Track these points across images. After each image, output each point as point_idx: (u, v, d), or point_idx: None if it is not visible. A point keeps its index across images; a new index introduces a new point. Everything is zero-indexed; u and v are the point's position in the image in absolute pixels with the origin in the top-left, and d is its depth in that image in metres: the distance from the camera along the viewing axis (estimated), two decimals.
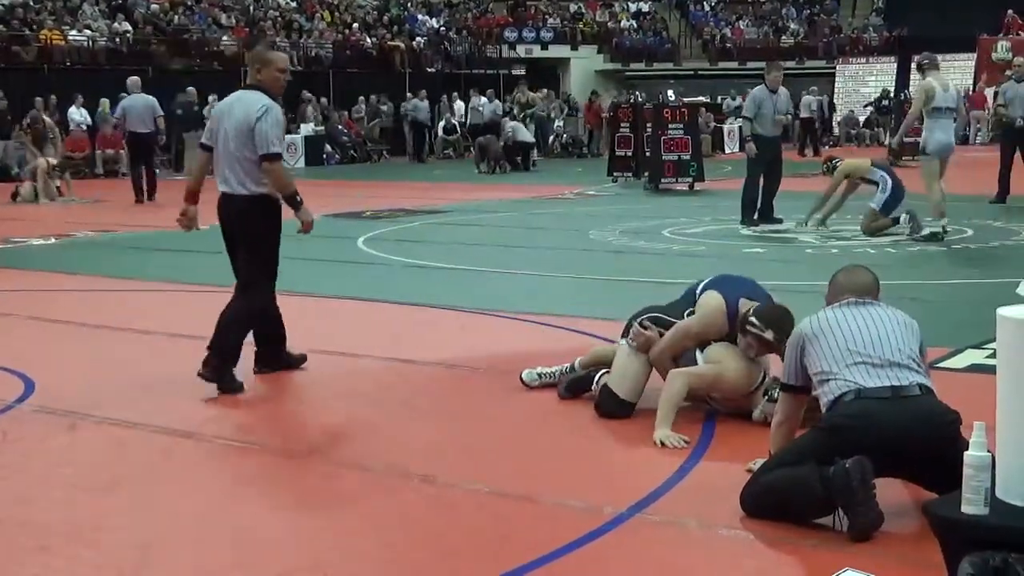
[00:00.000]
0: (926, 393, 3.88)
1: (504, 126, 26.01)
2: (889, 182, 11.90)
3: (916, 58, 13.60)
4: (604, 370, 5.61)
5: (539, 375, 5.91)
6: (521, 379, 5.91)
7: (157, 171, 18.80)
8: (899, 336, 3.99)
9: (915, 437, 3.75)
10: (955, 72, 34.65)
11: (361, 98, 29.65)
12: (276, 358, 6.34)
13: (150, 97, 18.01)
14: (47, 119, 21.38)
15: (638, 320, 5.47)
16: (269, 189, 6.03)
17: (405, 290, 9.07)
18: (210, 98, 25.90)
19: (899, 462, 3.82)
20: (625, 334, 5.53)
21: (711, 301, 5.34)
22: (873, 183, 12.15)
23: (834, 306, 4.16)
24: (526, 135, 26.09)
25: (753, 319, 5.05)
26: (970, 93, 31.11)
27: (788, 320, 4.92)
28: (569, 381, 5.74)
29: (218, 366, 5.88)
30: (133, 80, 18.42)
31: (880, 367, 3.90)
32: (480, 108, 28.52)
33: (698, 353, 5.32)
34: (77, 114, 23.94)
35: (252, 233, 6.14)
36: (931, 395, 3.90)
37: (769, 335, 4.98)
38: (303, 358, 6.42)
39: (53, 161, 18.80)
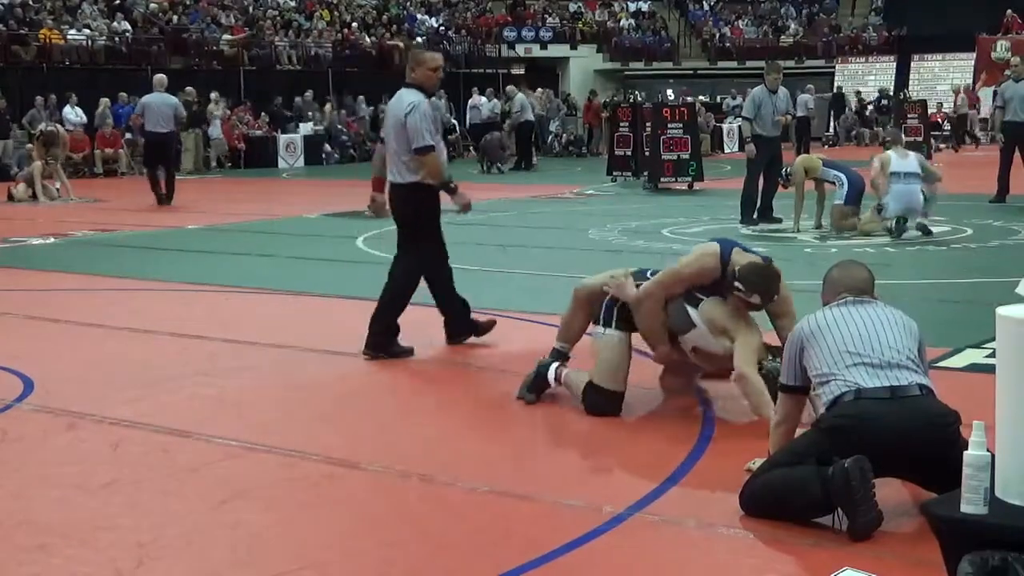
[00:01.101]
0: (926, 394, 3.88)
1: (512, 104, 25.67)
2: (843, 177, 12.12)
3: (882, 134, 14.06)
4: (556, 364, 5.55)
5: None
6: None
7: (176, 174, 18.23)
8: (897, 336, 3.98)
9: (914, 437, 3.75)
10: (954, 72, 34.73)
11: (361, 97, 29.64)
12: (466, 326, 6.94)
13: (172, 97, 17.49)
14: (60, 128, 21.18)
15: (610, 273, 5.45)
16: (422, 177, 6.57)
17: None
18: (212, 95, 25.96)
19: (899, 462, 3.82)
20: (598, 322, 5.47)
21: (705, 247, 5.32)
22: (831, 183, 12.32)
23: (832, 305, 4.14)
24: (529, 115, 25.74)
25: (739, 284, 5.00)
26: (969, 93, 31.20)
27: (774, 282, 4.91)
28: (527, 384, 5.59)
29: (382, 340, 6.58)
30: (159, 78, 17.64)
31: (879, 367, 3.89)
32: (479, 107, 28.50)
33: (690, 309, 5.20)
34: (72, 113, 23.92)
35: (410, 218, 6.78)
36: (931, 395, 3.90)
37: (755, 300, 4.97)
38: (491, 324, 6.98)
39: (54, 161, 18.74)
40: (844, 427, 3.81)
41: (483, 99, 28.60)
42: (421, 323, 7.81)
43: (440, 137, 6.79)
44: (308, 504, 4.27)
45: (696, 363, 5.44)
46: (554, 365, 5.58)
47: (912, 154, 12.15)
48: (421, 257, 6.81)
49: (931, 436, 3.75)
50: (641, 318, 5.33)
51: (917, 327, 4.11)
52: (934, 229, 11.91)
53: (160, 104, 16.90)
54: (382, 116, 29.72)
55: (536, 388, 5.59)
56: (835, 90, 34.23)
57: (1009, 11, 33.45)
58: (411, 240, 6.82)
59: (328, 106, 28.56)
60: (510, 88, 27.00)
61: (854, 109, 32.95)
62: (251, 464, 4.74)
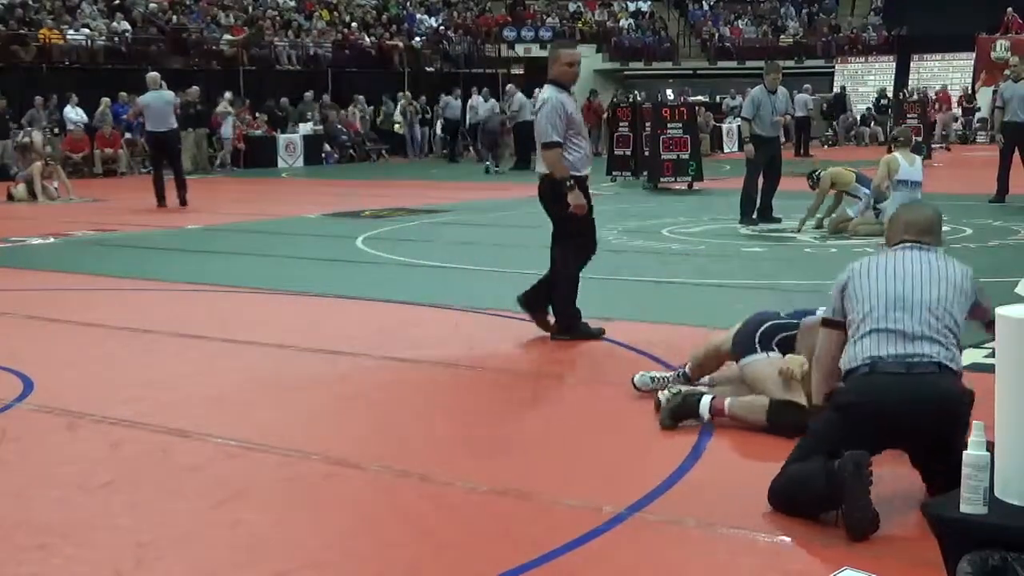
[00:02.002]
0: (943, 371, 3.84)
1: (512, 104, 25.61)
2: (871, 197, 11.97)
3: (892, 132, 13.76)
4: (704, 391, 5.25)
5: (651, 379, 5.62)
6: (633, 383, 5.63)
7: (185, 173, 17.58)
8: (937, 297, 3.93)
9: (924, 418, 3.74)
10: (954, 71, 34.73)
11: (361, 97, 29.65)
12: (542, 302, 7.06)
13: (169, 93, 17.10)
14: (35, 138, 20.95)
15: (776, 340, 5.18)
16: (551, 171, 6.83)
17: (404, 289, 9.07)
18: (226, 95, 25.93)
19: (907, 442, 3.83)
20: (738, 349, 5.25)
21: None
22: (855, 197, 12.25)
23: (886, 252, 4.12)
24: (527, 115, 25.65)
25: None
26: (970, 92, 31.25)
27: None
28: (672, 410, 5.15)
29: (568, 327, 6.88)
30: (152, 76, 17.08)
31: (901, 336, 3.87)
32: (476, 107, 28.48)
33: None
34: (73, 113, 23.92)
35: (551, 209, 7.01)
36: (947, 373, 3.84)
37: None
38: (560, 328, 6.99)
39: (51, 160, 18.74)
40: (855, 404, 3.84)
41: (479, 99, 28.55)
42: (409, 322, 7.82)
43: (576, 132, 6.88)
44: (307, 504, 4.27)
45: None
46: (707, 398, 5.17)
47: (917, 158, 12.11)
48: (566, 247, 6.99)
49: (939, 419, 3.74)
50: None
51: (970, 280, 4.02)
52: None
53: (158, 102, 16.51)
54: (382, 116, 29.94)
55: (681, 418, 5.14)
56: (838, 90, 34.18)
57: (1009, 10, 33.46)
58: (557, 228, 7.04)
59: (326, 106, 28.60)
60: (510, 87, 26.98)
61: (854, 111, 32.98)
62: (250, 464, 4.74)
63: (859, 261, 4.16)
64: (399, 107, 29.61)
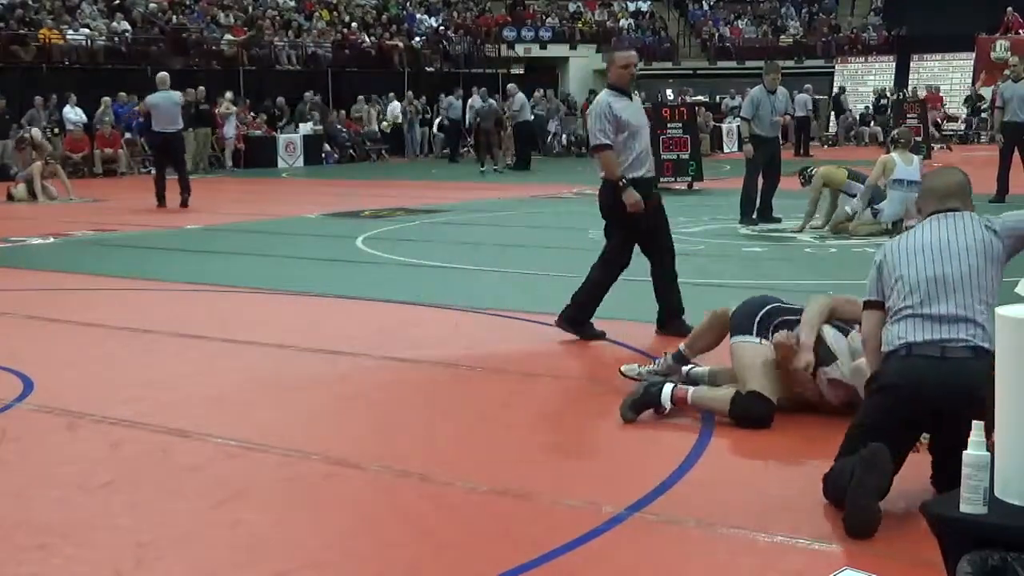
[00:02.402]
0: (977, 355, 3.83)
1: (513, 103, 25.61)
2: (868, 196, 11.98)
3: (893, 133, 13.81)
4: (671, 385, 5.23)
5: (639, 367, 5.78)
6: (620, 371, 5.81)
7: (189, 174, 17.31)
8: (968, 272, 3.94)
9: (956, 403, 3.74)
10: (954, 71, 34.71)
11: (361, 97, 29.65)
12: (674, 325, 7.02)
13: (176, 93, 16.87)
14: (34, 135, 20.91)
15: (774, 324, 5.17)
16: (604, 173, 7.00)
17: (404, 289, 9.07)
18: (227, 95, 25.92)
19: (943, 426, 3.84)
20: (735, 321, 5.26)
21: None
22: (850, 194, 12.25)
23: (920, 225, 4.14)
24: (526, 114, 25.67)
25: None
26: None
27: None
28: (632, 402, 5.19)
29: (572, 318, 6.95)
30: (161, 76, 16.90)
31: (935, 320, 3.89)
32: (473, 106, 28.48)
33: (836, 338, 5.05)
34: (72, 113, 23.92)
35: (605, 212, 7.13)
36: (981, 357, 3.81)
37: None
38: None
39: (51, 160, 18.73)
40: (893, 386, 3.88)
41: (476, 99, 28.53)
42: (409, 322, 7.83)
43: (630, 135, 6.95)
44: (307, 504, 4.27)
45: (827, 398, 5.14)
46: (668, 387, 5.21)
47: (915, 158, 12.12)
48: (610, 251, 7.11)
49: (972, 403, 3.74)
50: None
51: (999, 240, 4.02)
52: None
53: (166, 103, 16.37)
54: (382, 116, 29.94)
55: (641, 409, 5.19)
56: (837, 90, 34.17)
57: (1009, 9, 33.45)
58: (609, 229, 7.18)
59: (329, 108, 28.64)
60: (511, 86, 27.00)
61: (853, 111, 32.96)
62: (250, 464, 4.74)
63: (887, 245, 4.18)
64: (390, 108, 29.58)
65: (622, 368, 5.83)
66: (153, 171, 17.41)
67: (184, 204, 16.49)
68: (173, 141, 16.63)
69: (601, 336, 6.93)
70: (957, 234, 4.05)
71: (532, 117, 26.55)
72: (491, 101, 27.09)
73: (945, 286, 3.94)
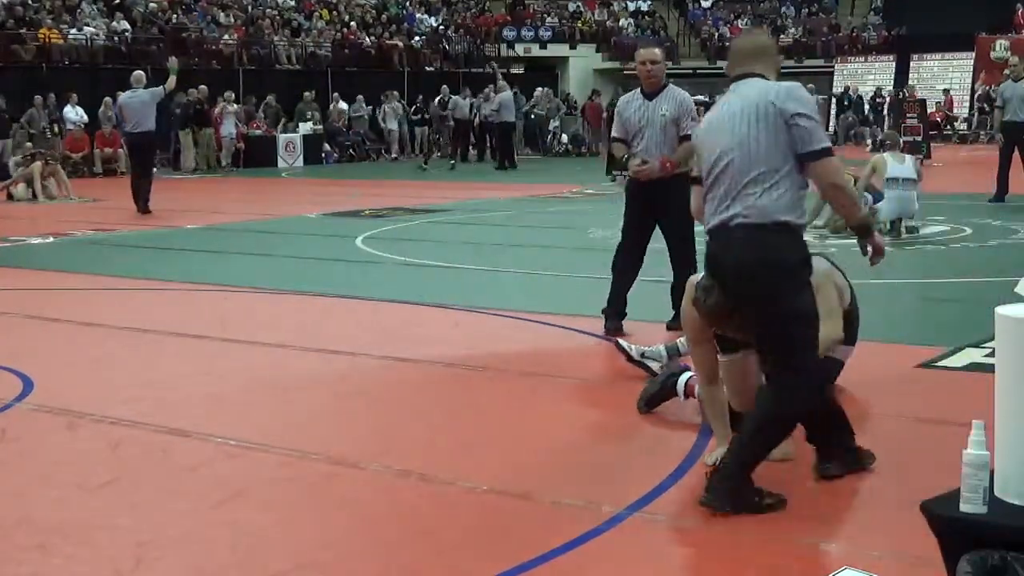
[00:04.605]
0: (747, 232, 3.93)
1: (491, 103, 25.67)
2: (870, 198, 11.99)
3: (880, 136, 13.89)
4: (688, 375, 5.18)
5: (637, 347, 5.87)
6: (617, 342, 6.01)
7: (156, 170, 16.79)
8: (749, 142, 3.95)
9: (735, 278, 3.97)
10: (954, 71, 34.70)
11: (360, 97, 29.62)
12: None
13: (147, 92, 15.78)
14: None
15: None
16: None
17: (403, 289, 9.07)
18: (226, 94, 25.88)
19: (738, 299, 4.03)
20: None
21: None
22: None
23: (719, 101, 4.24)
24: (507, 115, 25.68)
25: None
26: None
27: None
28: (648, 396, 5.24)
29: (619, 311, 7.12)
30: (137, 75, 16.31)
31: (721, 200, 4.01)
32: (461, 106, 28.40)
33: None
34: (72, 113, 23.91)
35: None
36: (752, 234, 3.93)
37: None
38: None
39: (52, 161, 18.70)
40: (708, 265, 4.13)
41: (458, 98, 28.42)
42: (409, 322, 7.83)
43: (630, 133, 7.00)
44: (307, 504, 4.27)
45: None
46: (685, 376, 5.18)
47: (908, 157, 12.14)
48: (621, 243, 7.24)
49: (737, 284, 3.96)
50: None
51: (781, 111, 3.93)
52: (933, 228, 11.95)
53: (134, 102, 15.56)
54: (381, 115, 29.90)
55: (657, 403, 5.24)
56: (839, 89, 34.13)
57: (1020, 7, 33.37)
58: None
59: (331, 105, 28.58)
60: (490, 87, 27.11)
61: (854, 111, 32.93)
62: (250, 464, 4.74)
63: (700, 124, 4.34)
64: (391, 107, 29.58)
65: (620, 341, 6.03)
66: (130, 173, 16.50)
67: (143, 210, 15.45)
68: (142, 142, 15.81)
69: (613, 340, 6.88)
70: (742, 102, 4.03)
71: (514, 119, 26.64)
72: (471, 100, 27.28)
73: (726, 162, 4.00)
